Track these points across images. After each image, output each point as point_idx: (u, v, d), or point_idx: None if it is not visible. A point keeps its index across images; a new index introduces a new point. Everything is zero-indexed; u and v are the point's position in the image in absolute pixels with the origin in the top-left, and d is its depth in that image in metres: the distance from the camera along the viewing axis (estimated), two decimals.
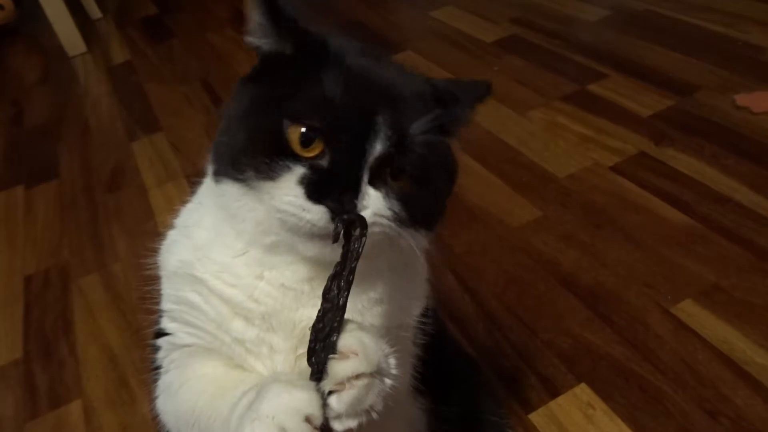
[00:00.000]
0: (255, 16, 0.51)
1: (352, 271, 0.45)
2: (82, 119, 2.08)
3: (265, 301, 0.54)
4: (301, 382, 0.44)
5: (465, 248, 1.25)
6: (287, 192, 0.47)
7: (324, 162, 0.47)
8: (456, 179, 0.57)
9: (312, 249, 0.50)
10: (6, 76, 2.58)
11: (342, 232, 0.45)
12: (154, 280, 0.63)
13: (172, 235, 0.62)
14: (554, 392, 0.97)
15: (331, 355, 0.43)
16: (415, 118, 0.50)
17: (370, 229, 0.46)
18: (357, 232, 0.45)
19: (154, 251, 0.63)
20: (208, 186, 0.58)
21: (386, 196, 0.49)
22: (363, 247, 0.45)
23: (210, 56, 2.34)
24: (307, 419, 0.42)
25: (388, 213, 0.49)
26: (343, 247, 0.46)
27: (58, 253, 1.49)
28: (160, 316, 0.61)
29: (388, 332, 0.53)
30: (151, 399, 0.62)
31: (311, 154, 0.48)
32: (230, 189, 0.52)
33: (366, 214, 0.47)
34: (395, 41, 2.16)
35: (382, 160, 0.48)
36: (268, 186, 0.48)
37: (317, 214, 0.47)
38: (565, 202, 1.33)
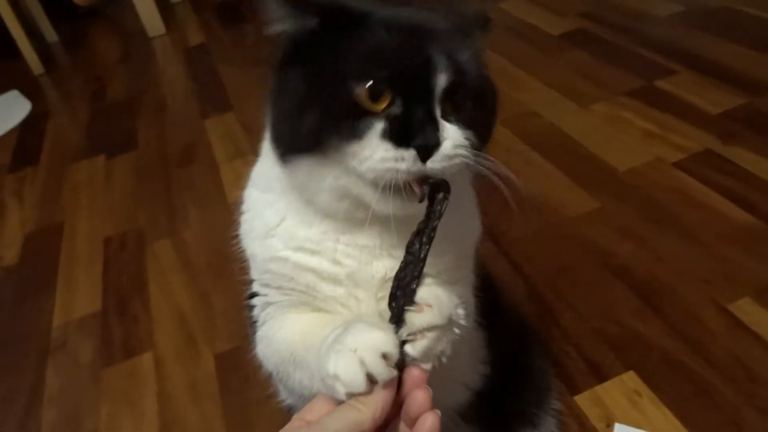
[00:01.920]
0: (272, 4, 0.51)
1: (434, 229, 0.49)
2: (160, 96, 2.21)
3: (347, 263, 0.57)
4: (382, 324, 0.49)
5: (520, 234, 1.27)
6: (376, 149, 0.48)
7: (397, 109, 0.49)
8: (498, 96, 0.59)
9: (398, 207, 0.51)
10: (91, 54, 2.76)
11: (428, 193, 0.48)
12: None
13: (245, 220, 0.64)
14: (601, 377, 0.98)
15: (408, 307, 0.48)
16: (458, 46, 0.51)
17: (454, 161, 0.49)
18: (441, 195, 0.48)
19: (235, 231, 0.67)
20: (268, 171, 0.60)
21: (459, 126, 0.51)
22: (445, 209, 0.49)
23: None
24: (384, 356, 0.46)
25: (465, 142, 0.51)
26: (428, 207, 0.49)
27: (134, 218, 1.60)
28: (251, 281, 0.65)
29: (451, 266, 0.57)
30: (251, 349, 0.67)
31: (383, 106, 0.49)
32: (304, 163, 0.53)
33: (447, 145, 0.49)
34: None
35: (446, 93, 0.50)
36: (353, 148, 0.49)
37: (410, 158, 0.48)
38: (623, 196, 1.33)
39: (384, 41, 0.50)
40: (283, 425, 0.52)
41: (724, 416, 0.90)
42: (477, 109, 0.53)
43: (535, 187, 1.39)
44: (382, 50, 0.50)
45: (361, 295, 0.58)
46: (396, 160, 0.48)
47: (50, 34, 2.88)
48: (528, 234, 1.28)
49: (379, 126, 0.49)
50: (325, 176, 0.53)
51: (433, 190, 0.49)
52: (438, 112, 0.50)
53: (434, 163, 0.49)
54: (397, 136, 0.48)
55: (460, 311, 0.51)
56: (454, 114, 0.51)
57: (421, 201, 0.49)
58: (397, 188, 0.49)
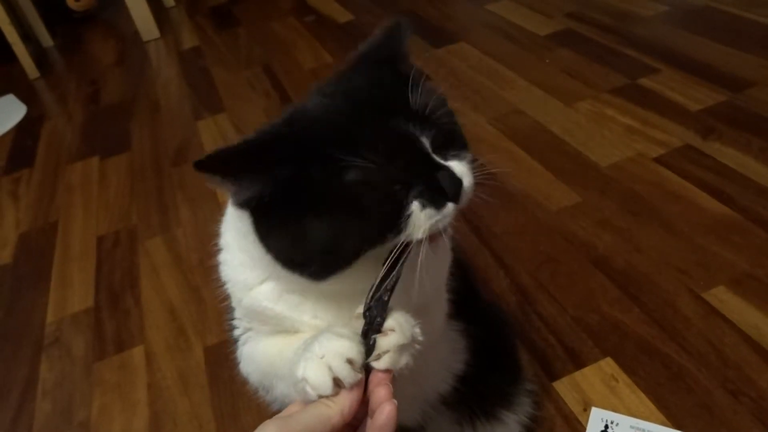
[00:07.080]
0: (239, 177, 0.51)
1: (408, 245, 0.53)
2: (153, 99, 2.24)
3: (326, 317, 0.61)
4: (348, 334, 0.52)
5: (503, 228, 1.30)
6: (425, 221, 0.52)
7: (414, 183, 0.52)
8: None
9: (431, 247, 0.54)
10: (86, 57, 2.79)
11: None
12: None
13: (226, 267, 0.65)
14: (579, 364, 1.01)
15: (375, 335, 0.52)
16: (423, 107, 0.53)
17: (472, 189, 0.54)
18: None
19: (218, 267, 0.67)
20: (244, 235, 0.58)
21: (457, 158, 0.54)
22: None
23: (272, 44, 2.46)
24: (349, 361, 0.50)
25: (469, 169, 0.54)
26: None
27: (127, 217, 1.62)
28: (233, 308, 0.68)
29: (429, 296, 0.60)
30: (235, 366, 0.70)
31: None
32: (340, 275, 0.54)
33: (465, 182, 0.53)
34: (449, 32, 2.21)
35: (433, 143, 0.53)
36: (401, 238, 0.52)
37: (450, 210, 0.52)
38: (605, 190, 1.36)
39: (377, 158, 0.50)
40: (267, 414, 0.56)
41: (696, 399, 0.93)
42: (451, 135, 0.56)
43: (519, 182, 1.42)
44: (388, 162, 0.51)
45: (339, 329, 0.58)
46: (442, 217, 0.52)
47: (46, 39, 2.91)
48: (511, 227, 1.31)
49: (415, 205, 0.52)
50: (356, 270, 0.54)
51: None
52: (438, 160, 0.53)
53: (464, 199, 0.53)
54: (433, 202, 0.52)
55: (417, 330, 0.55)
56: (446, 148, 0.54)
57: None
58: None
